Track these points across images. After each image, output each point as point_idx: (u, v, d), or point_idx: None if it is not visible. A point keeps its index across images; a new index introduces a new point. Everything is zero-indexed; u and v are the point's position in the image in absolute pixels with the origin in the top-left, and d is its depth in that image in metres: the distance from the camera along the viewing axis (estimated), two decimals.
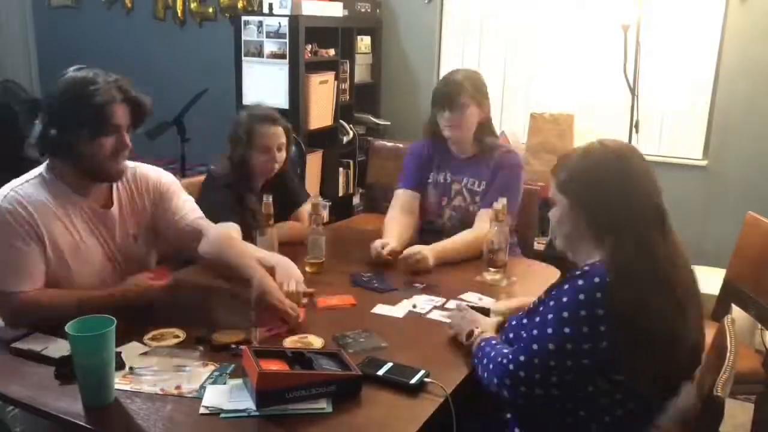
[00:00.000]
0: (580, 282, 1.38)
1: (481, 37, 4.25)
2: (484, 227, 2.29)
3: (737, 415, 2.74)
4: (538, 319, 1.43)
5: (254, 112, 2.51)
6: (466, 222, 2.47)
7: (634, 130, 3.63)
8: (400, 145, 3.93)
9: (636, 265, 1.36)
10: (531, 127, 3.96)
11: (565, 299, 1.38)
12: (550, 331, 1.38)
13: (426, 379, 1.50)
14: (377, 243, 2.30)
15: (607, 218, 1.41)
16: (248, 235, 2.25)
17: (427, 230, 2.58)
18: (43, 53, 5.69)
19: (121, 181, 1.95)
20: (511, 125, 4.17)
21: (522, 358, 1.41)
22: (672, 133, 3.87)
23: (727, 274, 2.53)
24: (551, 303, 1.42)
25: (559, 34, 4.00)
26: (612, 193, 1.41)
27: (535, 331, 1.42)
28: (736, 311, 2.40)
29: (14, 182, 1.83)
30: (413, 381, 1.49)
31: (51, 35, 5.61)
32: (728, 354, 1.43)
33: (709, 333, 1.66)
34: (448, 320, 1.78)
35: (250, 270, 1.82)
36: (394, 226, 2.45)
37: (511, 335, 1.56)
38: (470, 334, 1.65)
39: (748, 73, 3.61)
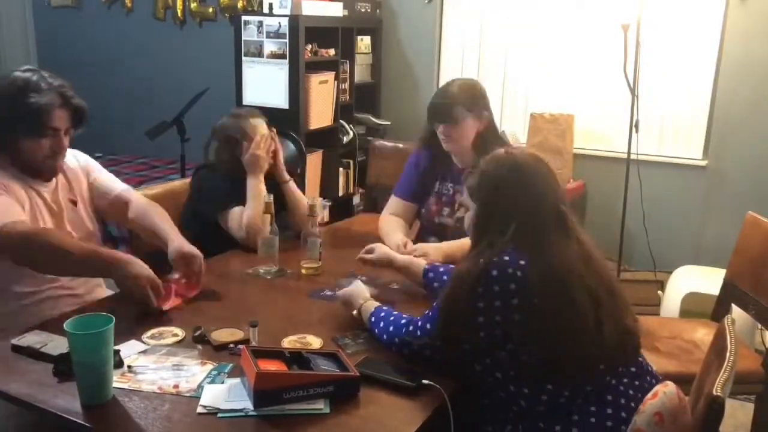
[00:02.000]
0: (495, 272, 1.45)
1: (481, 37, 4.25)
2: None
3: (737, 415, 2.74)
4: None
5: (236, 114, 2.57)
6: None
7: (634, 130, 3.63)
8: (400, 145, 3.93)
9: (518, 267, 1.45)
10: (531, 127, 3.97)
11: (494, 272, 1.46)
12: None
13: (424, 381, 1.50)
14: (396, 243, 2.30)
15: (504, 221, 1.51)
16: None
17: (428, 232, 2.58)
18: (43, 53, 5.69)
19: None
20: (511, 125, 4.16)
21: (418, 331, 1.57)
22: (672, 133, 3.87)
23: (727, 274, 2.52)
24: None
25: (559, 34, 3.99)
26: (506, 198, 1.53)
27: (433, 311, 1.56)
28: (736, 311, 2.40)
29: None
30: (411, 382, 1.49)
31: (51, 35, 5.61)
32: (728, 354, 1.42)
33: (709, 333, 1.66)
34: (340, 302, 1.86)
35: (170, 234, 2.04)
36: (393, 226, 2.46)
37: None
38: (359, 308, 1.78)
39: (748, 73, 3.61)
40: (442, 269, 2.00)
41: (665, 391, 1.38)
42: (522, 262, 1.45)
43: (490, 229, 1.53)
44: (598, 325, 1.44)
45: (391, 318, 1.68)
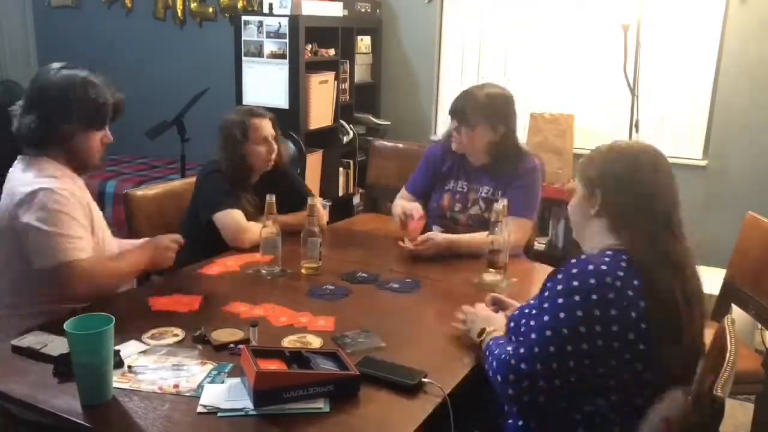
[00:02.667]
0: (604, 267, 1.38)
1: (481, 37, 4.25)
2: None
3: (737, 415, 2.74)
4: (535, 309, 1.45)
5: (240, 110, 2.58)
6: (482, 228, 2.47)
7: (634, 130, 3.63)
8: (400, 145, 3.93)
9: (653, 259, 1.39)
10: (531, 127, 3.96)
11: (560, 286, 1.40)
12: (546, 319, 1.40)
13: (424, 380, 1.50)
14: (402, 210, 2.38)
15: (613, 213, 1.47)
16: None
17: (437, 225, 2.60)
18: (43, 53, 5.69)
19: None
20: None
21: (522, 350, 1.40)
22: (672, 133, 3.87)
23: (727, 274, 2.52)
24: (544, 293, 1.45)
25: (559, 34, 4.00)
26: (620, 190, 1.46)
27: (532, 322, 1.44)
28: (736, 311, 2.40)
29: (35, 177, 1.87)
30: (412, 381, 1.49)
31: (51, 35, 5.61)
32: (728, 354, 1.42)
33: (709, 333, 1.65)
34: (462, 316, 1.75)
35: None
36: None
37: (512, 327, 1.57)
38: (481, 332, 1.64)
39: (748, 72, 3.61)
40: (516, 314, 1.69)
41: (673, 396, 1.37)
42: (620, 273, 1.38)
43: (591, 216, 1.49)
44: (680, 334, 1.40)
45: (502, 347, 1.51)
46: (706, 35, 3.68)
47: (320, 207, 2.59)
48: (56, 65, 1.94)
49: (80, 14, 5.46)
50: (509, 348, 1.45)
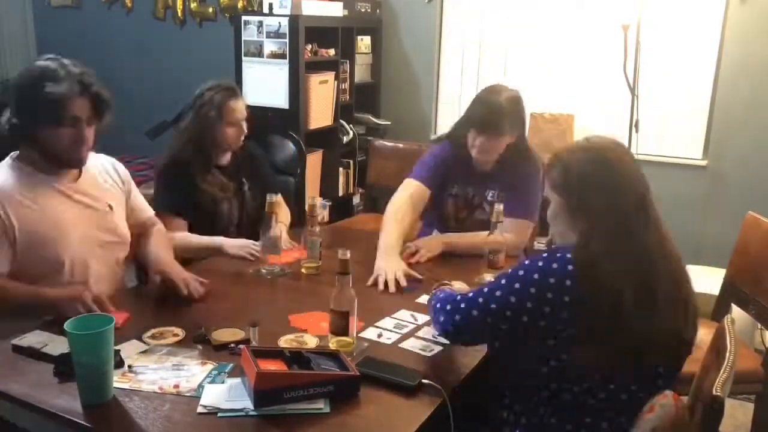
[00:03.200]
0: (555, 265, 1.43)
1: (481, 37, 4.25)
2: (505, 236, 2.24)
3: (737, 415, 2.74)
4: (502, 281, 1.51)
5: (218, 88, 2.49)
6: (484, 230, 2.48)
7: (634, 129, 3.63)
8: (400, 145, 3.94)
9: (605, 257, 1.41)
10: (531, 127, 3.96)
11: (535, 275, 1.44)
12: (517, 286, 1.46)
13: (424, 381, 1.50)
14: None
15: (585, 208, 1.48)
16: (209, 216, 2.44)
17: (442, 230, 2.60)
18: (43, 53, 5.67)
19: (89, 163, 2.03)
20: None
21: (485, 290, 1.51)
22: (672, 133, 3.87)
23: (727, 274, 2.52)
24: (519, 270, 1.49)
25: (559, 34, 3.99)
26: (588, 188, 1.48)
27: (492, 285, 1.52)
28: (736, 311, 2.40)
29: None
30: (411, 382, 1.49)
31: (51, 35, 5.61)
32: (728, 354, 1.42)
33: (709, 333, 1.65)
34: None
35: (158, 255, 2.08)
36: (398, 227, 2.35)
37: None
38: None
39: (748, 72, 3.61)
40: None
41: (662, 403, 1.35)
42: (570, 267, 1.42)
43: (574, 221, 1.50)
44: (621, 329, 1.41)
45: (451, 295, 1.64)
46: (706, 35, 3.68)
47: (282, 202, 2.64)
48: (40, 58, 1.92)
49: (80, 14, 5.46)
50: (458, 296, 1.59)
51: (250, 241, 2.32)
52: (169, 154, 2.51)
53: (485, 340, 1.61)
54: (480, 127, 2.37)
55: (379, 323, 1.83)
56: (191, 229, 2.44)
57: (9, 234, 1.83)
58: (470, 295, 1.55)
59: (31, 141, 1.89)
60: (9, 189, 1.86)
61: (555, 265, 1.43)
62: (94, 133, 1.93)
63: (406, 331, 1.79)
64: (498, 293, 1.48)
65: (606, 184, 1.48)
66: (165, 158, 2.52)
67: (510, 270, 1.52)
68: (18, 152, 1.93)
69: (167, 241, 2.21)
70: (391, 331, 1.80)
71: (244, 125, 2.53)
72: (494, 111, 2.33)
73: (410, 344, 1.73)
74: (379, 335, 1.76)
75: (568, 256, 1.43)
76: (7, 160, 1.92)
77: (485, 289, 1.53)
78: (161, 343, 1.66)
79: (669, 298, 1.44)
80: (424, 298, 1.98)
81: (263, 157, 2.79)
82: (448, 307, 1.57)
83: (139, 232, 2.20)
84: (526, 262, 1.50)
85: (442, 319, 1.59)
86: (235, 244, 2.33)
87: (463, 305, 1.54)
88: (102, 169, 2.12)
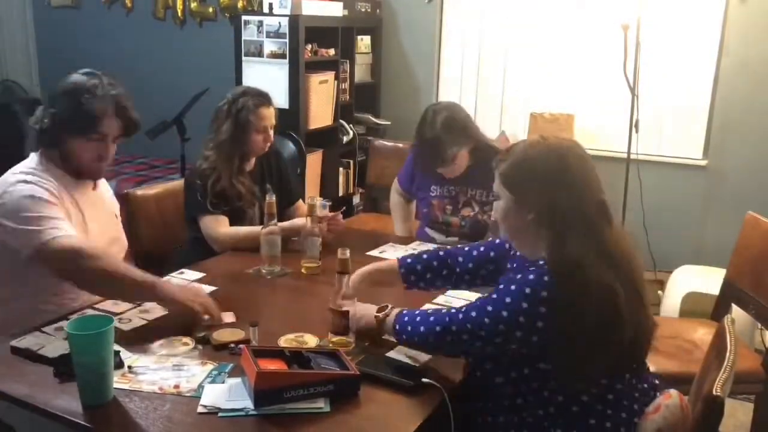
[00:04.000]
0: (531, 276, 1.41)
1: (481, 36, 4.25)
2: None
3: (737, 415, 2.74)
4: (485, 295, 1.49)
5: (252, 93, 2.54)
6: (479, 229, 2.50)
7: (634, 129, 3.63)
8: (400, 145, 3.93)
9: (576, 265, 1.38)
10: (531, 127, 3.97)
11: (512, 287, 1.42)
12: (489, 308, 1.43)
13: (424, 380, 1.50)
14: None
15: (550, 214, 1.44)
16: (238, 218, 2.45)
17: (432, 229, 2.62)
18: (43, 53, 5.69)
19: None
20: (511, 125, 4.17)
21: (460, 316, 1.47)
22: (672, 133, 3.87)
23: (727, 274, 2.52)
24: (500, 285, 1.47)
25: (559, 34, 3.99)
26: (554, 189, 1.43)
27: (478, 302, 1.48)
28: (736, 311, 2.40)
29: (16, 174, 1.89)
30: (412, 381, 1.49)
31: (51, 35, 5.61)
32: (728, 354, 1.42)
33: (709, 333, 1.66)
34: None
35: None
36: (403, 213, 2.78)
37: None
38: (381, 309, 1.64)
39: (748, 72, 3.61)
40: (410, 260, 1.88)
41: (668, 404, 1.35)
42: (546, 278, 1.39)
43: (528, 221, 1.46)
44: (622, 324, 1.40)
45: (421, 314, 1.58)
46: (706, 35, 3.68)
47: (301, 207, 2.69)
48: (82, 71, 1.95)
49: (80, 14, 5.46)
50: (439, 312, 1.53)
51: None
52: (201, 160, 2.53)
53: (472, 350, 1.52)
54: (434, 164, 2.47)
55: None
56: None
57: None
58: (456, 316, 1.48)
59: (58, 147, 1.93)
60: (57, 184, 1.91)
61: (531, 276, 1.41)
62: (114, 149, 2.00)
63: None
64: (489, 308, 1.43)
65: (573, 183, 1.43)
66: (197, 164, 2.54)
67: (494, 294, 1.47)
68: (41, 151, 1.95)
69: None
70: None
71: (271, 132, 2.56)
72: (433, 146, 2.43)
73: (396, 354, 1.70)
74: None
75: (545, 278, 1.39)
76: (35, 157, 1.94)
77: (477, 303, 1.47)
78: (174, 353, 1.62)
79: (635, 296, 1.43)
80: (441, 299, 2.00)
81: (290, 163, 2.87)
82: (432, 324, 1.51)
83: None
84: (518, 276, 1.45)
85: (422, 329, 1.53)
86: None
87: (459, 314, 1.48)
88: (107, 189, 2.20)
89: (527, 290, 1.39)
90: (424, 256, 1.86)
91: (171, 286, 1.84)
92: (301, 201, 2.73)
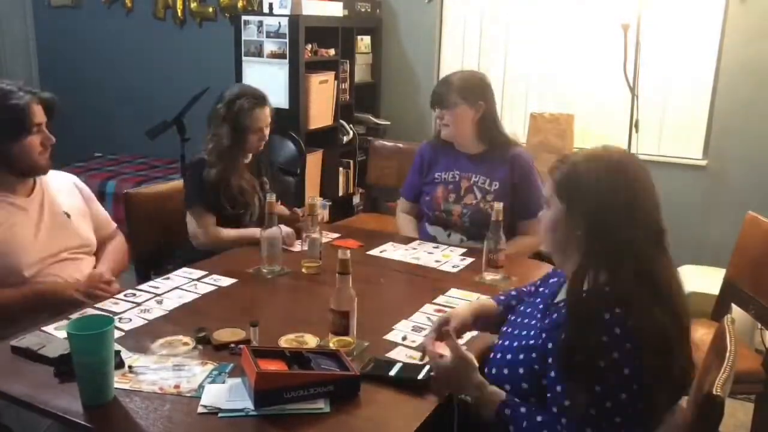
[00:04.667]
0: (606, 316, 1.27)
1: (481, 36, 4.25)
2: (533, 240, 2.32)
3: (737, 415, 2.74)
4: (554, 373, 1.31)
5: (248, 95, 2.56)
6: (479, 220, 2.48)
7: (634, 129, 3.63)
8: (400, 145, 3.94)
9: (636, 292, 1.30)
10: (531, 127, 3.97)
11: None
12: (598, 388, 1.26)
13: (432, 373, 1.50)
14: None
15: (608, 238, 1.33)
16: (232, 214, 2.51)
17: (431, 221, 2.63)
18: (43, 53, 5.69)
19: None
20: (511, 125, 4.16)
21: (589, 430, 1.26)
22: (672, 133, 3.87)
23: (727, 274, 2.52)
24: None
25: (559, 34, 3.99)
26: (616, 209, 1.34)
27: (558, 387, 1.30)
28: (736, 311, 2.40)
29: None
30: (420, 376, 1.50)
31: (51, 35, 5.61)
32: (728, 354, 1.42)
33: (709, 333, 1.66)
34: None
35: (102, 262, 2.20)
36: (412, 226, 2.71)
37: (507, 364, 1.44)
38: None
39: (748, 73, 3.61)
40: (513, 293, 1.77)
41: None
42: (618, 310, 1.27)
43: (576, 236, 1.37)
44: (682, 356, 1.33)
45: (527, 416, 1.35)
46: (706, 35, 3.68)
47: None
48: None
49: (80, 14, 5.45)
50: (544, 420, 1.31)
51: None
52: (200, 156, 2.56)
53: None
54: (432, 102, 2.57)
55: (398, 326, 1.82)
56: (219, 225, 2.53)
57: None
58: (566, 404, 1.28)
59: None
60: None
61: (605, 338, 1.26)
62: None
63: (425, 333, 1.75)
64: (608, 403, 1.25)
65: (630, 213, 1.33)
66: (197, 158, 2.57)
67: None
68: None
69: (114, 253, 2.28)
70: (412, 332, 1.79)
71: (267, 131, 2.59)
72: (440, 84, 2.56)
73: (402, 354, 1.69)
74: (404, 338, 1.75)
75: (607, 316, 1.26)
76: None
77: (566, 402, 1.27)
78: (174, 353, 1.62)
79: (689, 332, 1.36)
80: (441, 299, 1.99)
81: (290, 162, 2.97)
82: None
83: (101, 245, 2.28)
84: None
85: None
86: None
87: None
88: (60, 184, 2.19)
89: (605, 339, 1.25)
90: (513, 292, 1.77)
91: (49, 284, 1.95)
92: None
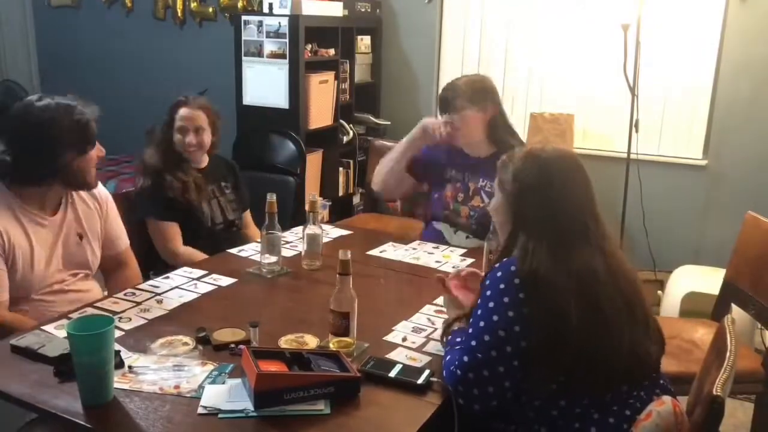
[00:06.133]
0: (499, 273, 1.45)
1: (481, 36, 4.25)
2: None
3: (737, 414, 2.74)
4: (471, 318, 1.49)
5: (183, 96, 2.68)
6: (487, 223, 2.47)
7: (634, 129, 3.63)
8: None
9: (545, 273, 1.41)
10: (531, 127, 3.97)
11: (488, 292, 1.45)
12: (482, 324, 1.43)
13: (433, 378, 1.50)
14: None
15: (526, 221, 1.50)
16: (193, 215, 2.54)
17: (445, 220, 2.62)
18: (43, 53, 5.69)
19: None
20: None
21: (465, 358, 1.42)
22: (672, 133, 3.87)
23: (727, 274, 2.52)
24: (479, 300, 1.49)
25: (559, 34, 3.99)
26: (539, 200, 1.50)
27: (470, 329, 1.46)
28: (736, 311, 2.40)
29: None
30: (420, 381, 1.50)
31: (51, 35, 5.61)
32: (728, 354, 1.42)
33: (709, 333, 1.66)
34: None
35: None
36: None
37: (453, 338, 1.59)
38: (448, 326, 1.64)
39: (748, 73, 3.61)
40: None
41: (659, 410, 1.33)
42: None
43: (512, 224, 1.54)
44: (612, 340, 1.40)
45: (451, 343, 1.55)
46: (706, 35, 3.68)
47: (250, 220, 2.78)
48: (32, 98, 1.96)
49: (80, 14, 5.45)
50: (450, 357, 1.48)
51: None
52: (141, 163, 2.60)
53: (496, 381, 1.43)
54: (441, 108, 2.56)
55: (398, 327, 1.82)
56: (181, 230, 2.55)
57: (7, 255, 1.89)
58: (461, 346, 1.47)
59: (59, 172, 1.94)
60: (6, 212, 1.91)
61: (499, 273, 1.45)
62: None
63: (425, 334, 1.78)
64: (495, 318, 1.42)
65: (547, 196, 1.49)
66: (139, 167, 2.62)
67: (483, 292, 1.48)
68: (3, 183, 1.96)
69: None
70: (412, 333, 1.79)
71: (192, 135, 2.59)
72: (449, 90, 2.53)
73: (433, 347, 1.71)
74: (404, 339, 1.75)
75: (512, 268, 1.44)
76: None
77: (470, 330, 1.46)
78: (173, 353, 1.62)
79: (621, 318, 1.41)
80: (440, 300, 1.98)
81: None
82: (450, 368, 1.46)
83: (111, 268, 2.25)
84: (498, 273, 1.46)
85: (448, 381, 1.46)
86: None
87: (464, 357, 1.43)
88: (84, 202, 2.14)
89: (501, 286, 1.43)
90: None
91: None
92: (249, 212, 2.81)
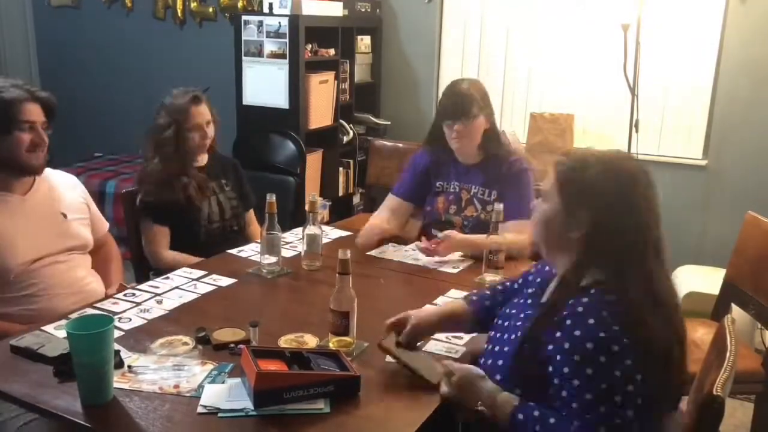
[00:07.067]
0: (591, 321, 1.27)
1: (481, 36, 4.25)
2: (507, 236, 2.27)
3: (737, 414, 2.74)
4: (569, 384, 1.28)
5: (183, 94, 2.63)
6: (481, 231, 2.47)
7: (634, 129, 3.63)
8: (400, 145, 3.93)
9: (637, 297, 1.30)
10: (531, 127, 3.97)
11: (575, 357, 1.27)
12: (588, 396, 1.25)
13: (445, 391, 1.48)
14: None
15: (611, 241, 1.33)
16: (192, 214, 2.52)
17: (440, 229, 2.60)
18: (43, 53, 5.69)
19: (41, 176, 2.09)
20: (511, 125, 4.17)
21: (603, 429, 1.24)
22: (672, 132, 3.87)
23: (727, 274, 2.52)
24: (566, 347, 1.29)
25: (559, 34, 3.99)
26: (622, 218, 1.33)
27: (586, 395, 1.26)
28: (736, 311, 2.40)
29: None
30: (437, 381, 1.49)
31: (51, 35, 5.61)
32: (728, 354, 1.42)
33: (709, 333, 1.66)
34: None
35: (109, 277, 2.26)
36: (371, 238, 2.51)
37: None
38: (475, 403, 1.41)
39: (748, 72, 3.61)
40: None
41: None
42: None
43: (571, 237, 1.36)
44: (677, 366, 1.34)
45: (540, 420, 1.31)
46: (706, 35, 3.68)
47: (253, 218, 2.76)
48: None
49: (80, 14, 5.45)
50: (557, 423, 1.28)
51: None
52: (144, 161, 2.58)
53: None
54: (453, 116, 2.44)
55: None
56: (173, 230, 2.52)
57: None
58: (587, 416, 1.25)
59: None
60: None
61: (591, 321, 1.26)
62: (48, 139, 2.01)
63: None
64: (604, 386, 1.24)
65: (635, 223, 1.32)
66: (141, 166, 2.59)
67: (563, 357, 1.28)
68: None
69: (118, 272, 2.31)
70: None
71: (209, 129, 2.59)
72: (461, 96, 2.43)
73: (432, 347, 1.72)
74: None
75: (604, 314, 1.27)
76: None
77: (588, 396, 1.25)
78: (173, 352, 1.62)
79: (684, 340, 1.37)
80: (440, 300, 1.99)
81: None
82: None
83: (93, 250, 2.26)
84: (576, 333, 1.27)
85: None
86: None
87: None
88: (61, 183, 2.18)
89: (601, 334, 1.26)
90: (487, 293, 1.75)
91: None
92: (252, 211, 2.78)
